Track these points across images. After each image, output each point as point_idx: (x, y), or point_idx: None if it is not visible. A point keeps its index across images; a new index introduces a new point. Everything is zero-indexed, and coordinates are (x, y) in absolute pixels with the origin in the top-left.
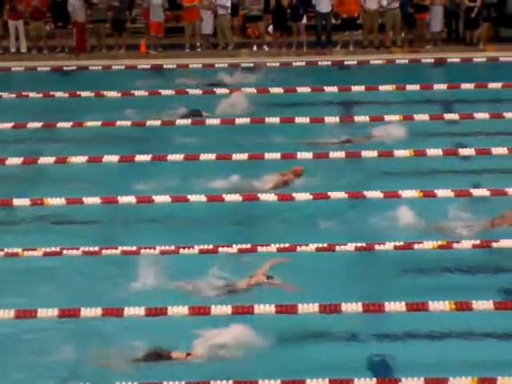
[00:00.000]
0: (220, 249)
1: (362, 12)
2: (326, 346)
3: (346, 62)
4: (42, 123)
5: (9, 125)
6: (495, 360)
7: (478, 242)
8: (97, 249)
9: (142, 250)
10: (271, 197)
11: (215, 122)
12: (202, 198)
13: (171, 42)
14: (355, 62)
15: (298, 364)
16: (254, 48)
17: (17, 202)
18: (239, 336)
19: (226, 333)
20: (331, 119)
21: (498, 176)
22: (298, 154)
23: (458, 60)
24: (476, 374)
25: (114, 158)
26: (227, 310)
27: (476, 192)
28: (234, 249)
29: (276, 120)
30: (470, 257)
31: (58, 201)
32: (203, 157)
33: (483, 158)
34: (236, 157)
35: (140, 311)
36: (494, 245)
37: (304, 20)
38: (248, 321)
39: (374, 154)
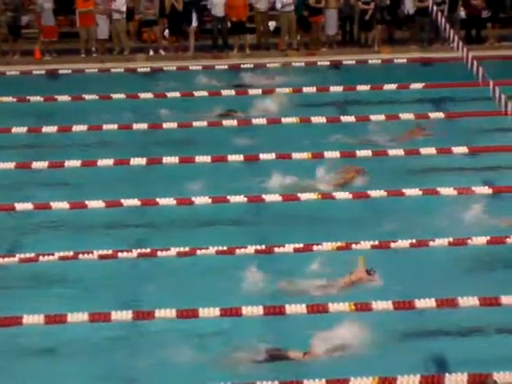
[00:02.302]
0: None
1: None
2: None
3: (242, 66)
4: None
5: None
6: None
7: None
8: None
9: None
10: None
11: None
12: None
13: (66, 47)
14: (252, 66)
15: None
16: (151, 52)
17: None
18: (356, 333)
19: (344, 330)
20: (230, 122)
21: None
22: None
23: (354, 62)
24: None
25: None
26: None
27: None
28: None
29: (174, 125)
30: None
31: None
32: None
33: (378, 160)
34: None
35: (258, 310)
36: None
37: (195, 23)
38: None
39: (272, 156)
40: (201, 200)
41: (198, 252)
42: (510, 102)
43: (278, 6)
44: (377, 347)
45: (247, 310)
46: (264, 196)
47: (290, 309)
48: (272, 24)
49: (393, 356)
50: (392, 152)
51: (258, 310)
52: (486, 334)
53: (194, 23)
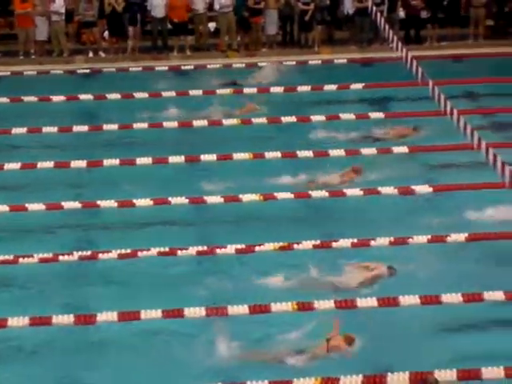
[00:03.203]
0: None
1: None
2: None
3: (182, 67)
4: None
5: None
6: None
7: None
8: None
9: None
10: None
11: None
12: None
13: (4, 49)
14: (192, 67)
15: None
16: (90, 54)
17: None
18: None
19: None
20: (170, 124)
21: None
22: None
23: (294, 63)
24: None
25: None
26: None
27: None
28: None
29: (114, 127)
30: None
31: None
32: None
33: (320, 160)
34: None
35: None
36: None
37: (138, 25)
38: None
39: (213, 157)
40: (142, 202)
41: (140, 254)
42: (449, 101)
43: (217, 7)
44: None
45: (190, 312)
46: (206, 197)
47: (233, 310)
48: (212, 25)
49: None
50: (333, 152)
51: (201, 312)
52: None
53: (137, 24)
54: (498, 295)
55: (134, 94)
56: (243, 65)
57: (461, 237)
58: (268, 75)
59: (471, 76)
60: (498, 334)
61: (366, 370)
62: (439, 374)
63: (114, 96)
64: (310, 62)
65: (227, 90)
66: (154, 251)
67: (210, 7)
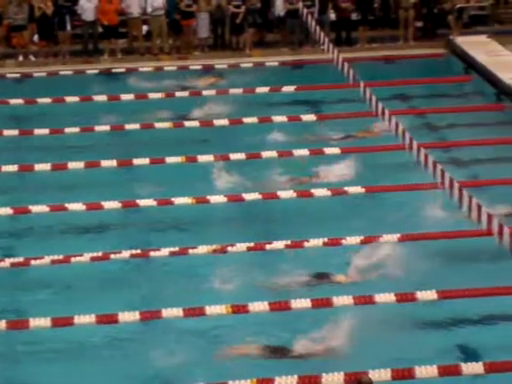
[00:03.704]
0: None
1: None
2: None
3: (113, 70)
4: None
5: None
6: None
7: None
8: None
9: None
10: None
11: None
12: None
13: None
14: (123, 70)
15: None
16: (20, 58)
17: None
18: None
19: None
20: (102, 128)
21: None
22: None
23: (226, 66)
24: None
25: None
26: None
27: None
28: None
29: (46, 131)
30: None
31: None
32: None
33: (257, 163)
34: None
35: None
36: None
37: (68, 28)
38: None
39: (145, 161)
40: (74, 206)
41: (73, 259)
42: (380, 102)
43: (149, 9)
44: None
45: (124, 316)
46: (138, 201)
47: (167, 312)
48: (144, 28)
49: None
50: (266, 154)
51: (135, 316)
52: None
53: (67, 28)
54: (430, 294)
55: (65, 98)
56: (174, 68)
57: (393, 237)
58: None
59: (402, 77)
60: (433, 333)
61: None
62: (373, 374)
63: (44, 100)
64: (242, 65)
65: (159, 94)
66: (87, 256)
67: (144, 11)
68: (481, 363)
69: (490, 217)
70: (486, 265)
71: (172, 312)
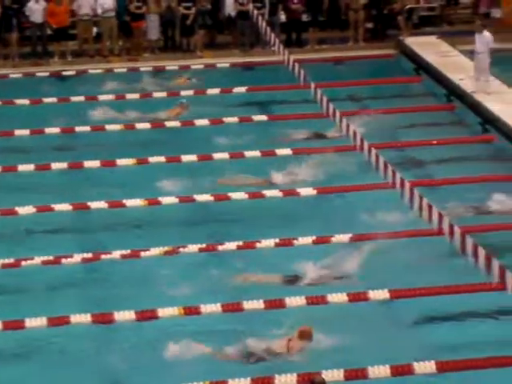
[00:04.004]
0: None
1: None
2: None
3: (64, 73)
4: None
5: None
6: None
7: None
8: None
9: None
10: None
11: None
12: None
13: None
14: (74, 73)
15: None
16: None
17: None
18: None
19: None
20: (52, 130)
21: None
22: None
23: (177, 67)
24: None
25: None
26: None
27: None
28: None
29: None
30: None
31: None
32: None
33: (204, 165)
34: None
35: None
36: None
37: (16, 30)
38: None
39: (96, 163)
40: (25, 209)
41: (23, 263)
42: (331, 103)
43: (99, 11)
44: None
45: (76, 319)
46: (90, 203)
47: (119, 315)
48: (93, 30)
49: None
50: (217, 156)
51: (87, 318)
52: None
53: (14, 30)
54: (382, 294)
55: (15, 101)
56: (125, 70)
57: (345, 237)
58: None
59: (353, 78)
60: (387, 333)
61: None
62: (326, 374)
63: None
64: (193, 67)
65: (110, 96)
66: (38, 260)
67: (94, 13)
68: (433, 362)
69: (440, 216)
70: (438, 264)
71: (124, 315)
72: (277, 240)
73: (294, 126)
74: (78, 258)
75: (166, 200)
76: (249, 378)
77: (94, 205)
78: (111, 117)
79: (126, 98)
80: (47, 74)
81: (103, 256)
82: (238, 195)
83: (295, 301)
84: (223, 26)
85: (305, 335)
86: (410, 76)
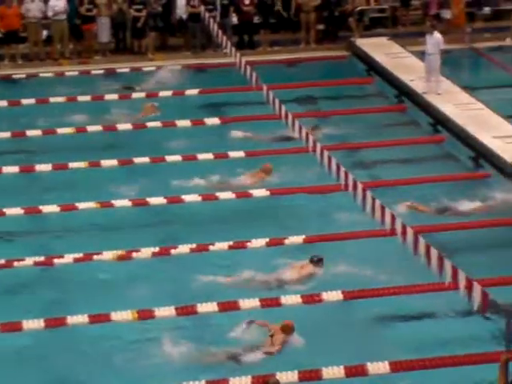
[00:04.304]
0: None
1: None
2: None
3: (14, 76)
4: None
5: None
6: None
7: None
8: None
9: None
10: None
11: None
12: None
13: None
14: (24, 76)
15: None
16: None
17: None
18: None
19: None
20: (3, 134)
21: None
22: None
23: (128, 70)
24: None
25: None
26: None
27: None
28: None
29: None
30: None
31: None
32: None
33: (157, 167)
34: None
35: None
36: None
37: None
38: None
39: (48, 167)
40: None
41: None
42: (283, 105)
43: (50, 13)
44: None
45: (28, 324)
46: (42, 207)
47: (72, 319)
48: (43, 33)
49: None
50: (170, 158)
51: (40, 323)
52: None
53: None
54: (336, 295)
55: None
56: (76, 73)
57: (298, 239)
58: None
59: (305, 80)
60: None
61: None
62: (280, 376)
63: None
64: (144, 69)
65: (61, 99)
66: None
67: (44, 16)
68: (386, 362)
69: (393, 217)
70: (390, 264)
71: (77, 319)
72: (231, 243)
73: (246, 129)
74: (30, 261)
75: (119, 203)
76: (203, 381)
77: (46, 208)
78: (63, 120)
79: (78, 100)
80: None
81: (56, 260)
82: (192, 197)
83: (249, 303)
84: (175, 28)
85: (287, 329)
86: (362, 77)
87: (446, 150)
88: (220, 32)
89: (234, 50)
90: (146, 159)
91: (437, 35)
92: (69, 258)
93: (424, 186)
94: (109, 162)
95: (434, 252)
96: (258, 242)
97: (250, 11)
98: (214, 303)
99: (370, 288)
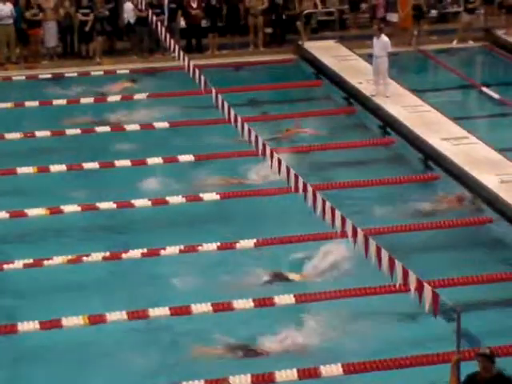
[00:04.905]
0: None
1: None
2: None
3: None
4: None
5: None
6: None
7: None
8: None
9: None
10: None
11: None
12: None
13: None
14: None
15: None
16: None
17: None
18: None
19: None
20: None
21: None
22: None
23: (76, 74)
24: None
25: None
26: None
27: None
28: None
29: None
30: None
31: None
32: None
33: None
34: None
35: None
36: None
37: None
38: None
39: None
40: None
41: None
42: (232, 109)
43: None
44: None
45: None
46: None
47: (23, 327)
48: None
49: None
50: (119, 163)
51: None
52: None
53: None
54: (288, 298)
55: None
56: (23, 77)
57: (250, 243)
58: None
59: (253, 83)
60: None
61: None
62: (233, 380)
63: None
64: (92, 73)
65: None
66: None
67: None
68: (339, 364)
69: (343, 220)
70: (343, 267)
71: (28, 325)
72: (181, 247)
73: (195, 133)
74: (19, 264)
75: (68, 208)
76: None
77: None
78: (10, 125)
79: (25, 105)
80: None
81: (5, 266)
82: (141, 202)
83: (201, 308)
84: (122, 32)
85: None
86: (310, 80)
87: (396, 152)
88: (168, 36)
89: (181, 53)
90: (94, 164)
91: (384, 38)
92: (18, 264)
93: (374, 188)
94: (58, 167)
95: (384, 254)
96: (209, 247)
97: (198, 15)
98: (166, 308)
99: (319, 291)
